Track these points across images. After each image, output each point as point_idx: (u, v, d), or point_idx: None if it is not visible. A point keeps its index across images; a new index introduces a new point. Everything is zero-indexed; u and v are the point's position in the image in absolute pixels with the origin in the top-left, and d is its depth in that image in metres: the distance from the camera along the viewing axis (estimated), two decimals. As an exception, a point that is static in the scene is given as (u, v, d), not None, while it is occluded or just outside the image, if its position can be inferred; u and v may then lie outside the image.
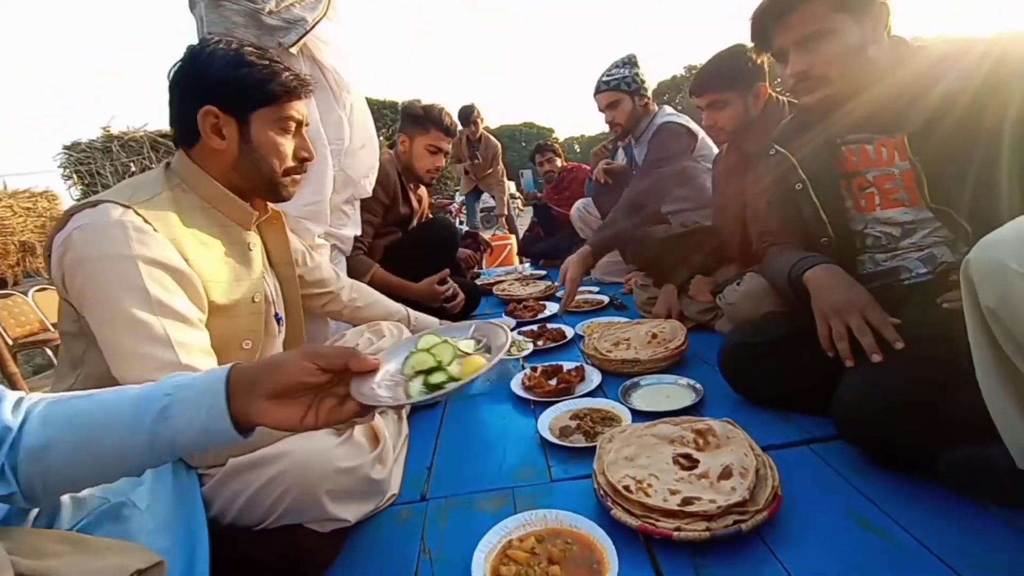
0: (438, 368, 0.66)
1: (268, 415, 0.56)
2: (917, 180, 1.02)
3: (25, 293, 4.25)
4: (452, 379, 0.64)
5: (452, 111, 2.25)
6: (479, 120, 4.50)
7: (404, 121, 2.11)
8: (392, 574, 0.82)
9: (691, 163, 2.12)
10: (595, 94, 2.22)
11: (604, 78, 2.17)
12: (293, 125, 0.98)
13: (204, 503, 0.77)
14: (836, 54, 1.00)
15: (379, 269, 1.96)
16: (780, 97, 1.65)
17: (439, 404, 1.43)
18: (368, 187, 1.86)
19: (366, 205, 1.95)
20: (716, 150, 2.18)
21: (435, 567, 0.82)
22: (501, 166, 4.81)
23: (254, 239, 1.01)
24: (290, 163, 0.98)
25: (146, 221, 0.80)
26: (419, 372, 0.66)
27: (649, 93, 2.17)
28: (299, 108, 0.98)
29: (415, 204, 2.24)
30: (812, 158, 1.16)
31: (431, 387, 0.64)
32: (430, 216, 2.48)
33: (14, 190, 10.32)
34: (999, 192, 0.89)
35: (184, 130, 0.92)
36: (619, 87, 2.13)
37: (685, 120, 2.14)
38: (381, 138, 2.15)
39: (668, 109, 2.24)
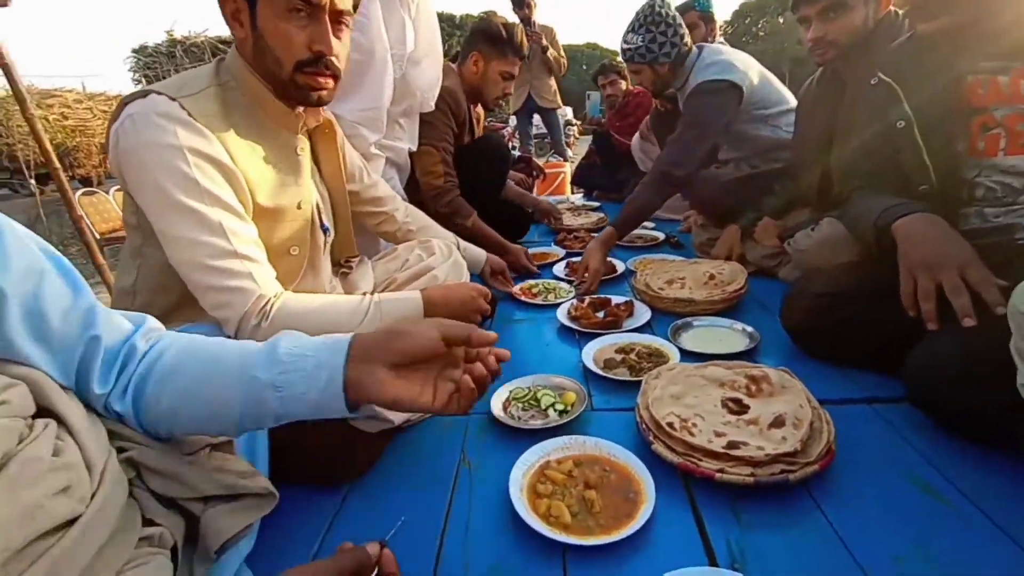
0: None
1: (387, 387, 0.52)
2: None
3: (107, 192, 4.55)
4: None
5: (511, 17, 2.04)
6: (532, 4, 3.91)
7: (479, 39, 1.90)
8: (433, 478, 0.86)
9: (739, 124, 1.85)
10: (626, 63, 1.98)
11: (623, 45, 1.88)
12: (304, 7, 0.82)
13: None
14: None
15: (477, 217, 1.87)
16: (899, 12, 1.40)
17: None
18: (431, 102, 1.78)
19: (439, 134, 1.84)
20: (784, 91, 1.92)
21: (474, 476, 0.86)
22: (554, 62, 4.17)
23: (303, 144, 0.96)
24: (303, 54, 0.83)
25: (191, 115, 0.78)
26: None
27: (679, 47, 1.81)
28: None
29: (476, 128, 2.12)
30: (926, 89, 0.99)
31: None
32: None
33: (91, 92, 10.74)
34: None
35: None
36: (632, 59, 1.86)
37: (727, 71, 1.77)
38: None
39: (709, 56, 1.84)
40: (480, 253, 1.62)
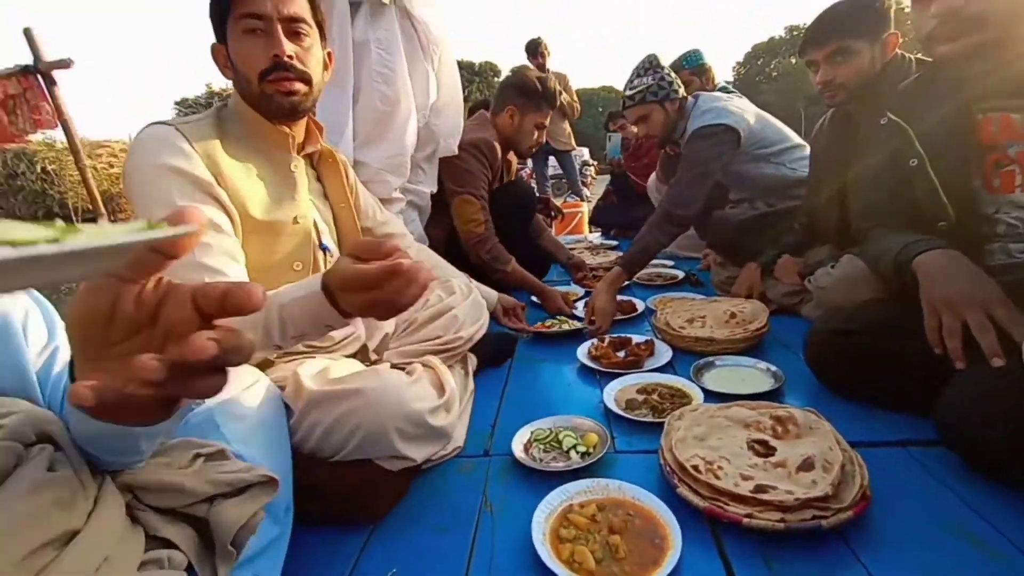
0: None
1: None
2: None
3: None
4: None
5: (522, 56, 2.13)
6: (546, 53, 4.12)
7: (513, 93, 1.97)
8: (455, 520, 0.85)
9: (741, 165, 1.90)
10: (623, 110, 2.05)
11: (628, 92, 1.95)
12: (256, 23, 0.88)
13: (289, 432, 0.83)
14: None
15: (516, 263, 1.90)
16: (907, 55, 1.43)
17: (503, 365, 1.46)
18: (454, 146, 1.86)
19: (477, 183, 1.88)
20: (785, 129, 1.96)
21: (496, 519, 0.85)
22: (568, 111, 4.34)
23: (297, 162, 0.99)
24: (263, 64, 0.90)
25: (184, 136, 0.84)
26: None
27: (681, 91, 1.92)
28: (259, 3, 0.88)
29: (506, 176, 2.17)
30: (936, 127, 1.00)
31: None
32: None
33: (137, 142, 11.51)
34: None
35: None
36: (644, 99, 1.91)
37: (721, 116, 1.83)
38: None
39: (704, 103, 1.92)
40: (491, 293, 1.63)
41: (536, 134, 1.99)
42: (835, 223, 1.56)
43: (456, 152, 1.85)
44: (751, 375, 1.24)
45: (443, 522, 0.85)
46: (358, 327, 1.18)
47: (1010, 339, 0.83)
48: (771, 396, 1.14)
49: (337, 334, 1.01)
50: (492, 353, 1.44)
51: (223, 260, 0.82)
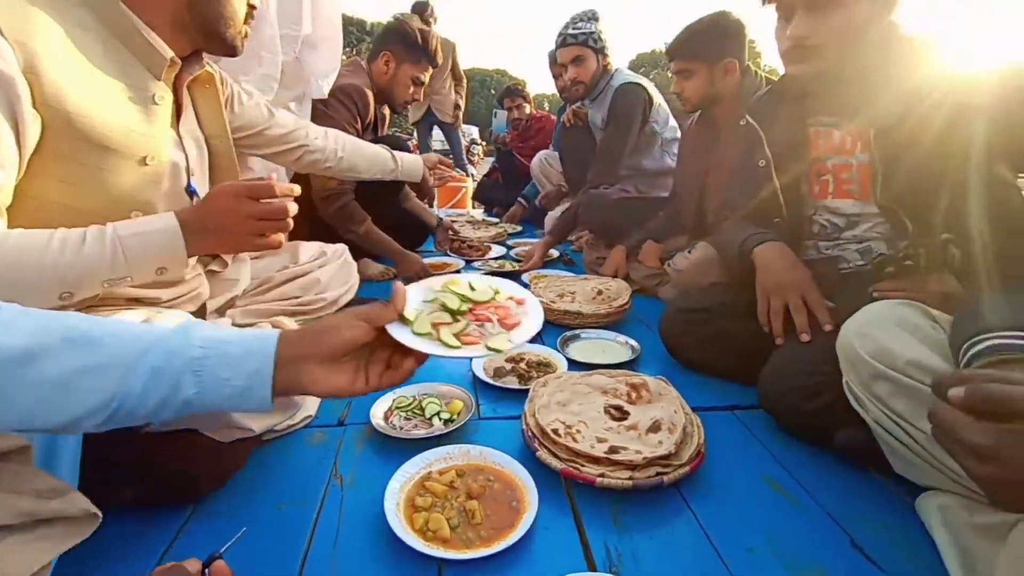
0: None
1: (321, 382, 0.52)
2: (873, 174, 1.02)
3: None
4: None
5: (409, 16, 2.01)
6: (433, 19, 3.94)
7: (391, 39, 1.82)
8: (299, 494, 0.77)
9: (647, 130, 2.07)
10: (558, 48, 2.10)
11: (571, 31, 2.03)
12: None
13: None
14: (840, 28, 0.94)
15: (371, 223, 1.76)
16: (759, 72, 1.62)
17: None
18: (325, 89, 1.67)
19: (339, 129, 1.72)
20: (671, 119, 2.16)
21: (345, 492, 0.78)
22: (455, 82, 4.24)
23: (163, 92, 0.79)
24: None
25: None
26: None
27: (609, 54, 2.08)
28: None
29: (380, 130, 2.01)
30: (780, 136, 1.14)
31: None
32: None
33: None
34: (938, 197, 0.91)
35: None
36: (586, 43, 2.01)
37: (644, 82, 2.05)
38: (343, 56, 1.87)
39: (625, 70, 2.13)
40: (416, 160, 1.59)
41: (412, 88, 1.86)
42: (694, 213, 1.72)
43: (328, 95, 1.66)
44: (612, 347, 1.31)
45: (285, 497, 0.76)
46: (201, 284, 0.99)
47: (818, 321, 0.98)
48: (629, 366, 1.21)
49: (167, 292, 0.83)
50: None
51: None
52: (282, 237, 0.77)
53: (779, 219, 1.14)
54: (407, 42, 1.79)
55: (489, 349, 0.59)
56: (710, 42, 1.53)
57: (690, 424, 0.88)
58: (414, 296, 0.62)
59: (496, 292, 0.68)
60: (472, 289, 0.66)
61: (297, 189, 0.77)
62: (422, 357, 0.58)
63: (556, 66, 2.60)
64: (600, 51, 2.03)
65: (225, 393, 0.49)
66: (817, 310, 0.99)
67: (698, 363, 1.21)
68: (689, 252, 1.53)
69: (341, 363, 0.54)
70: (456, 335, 0.59)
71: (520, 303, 0.67)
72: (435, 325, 0.60)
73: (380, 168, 1.47)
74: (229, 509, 0.74)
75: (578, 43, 2.02)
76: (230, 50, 0.83)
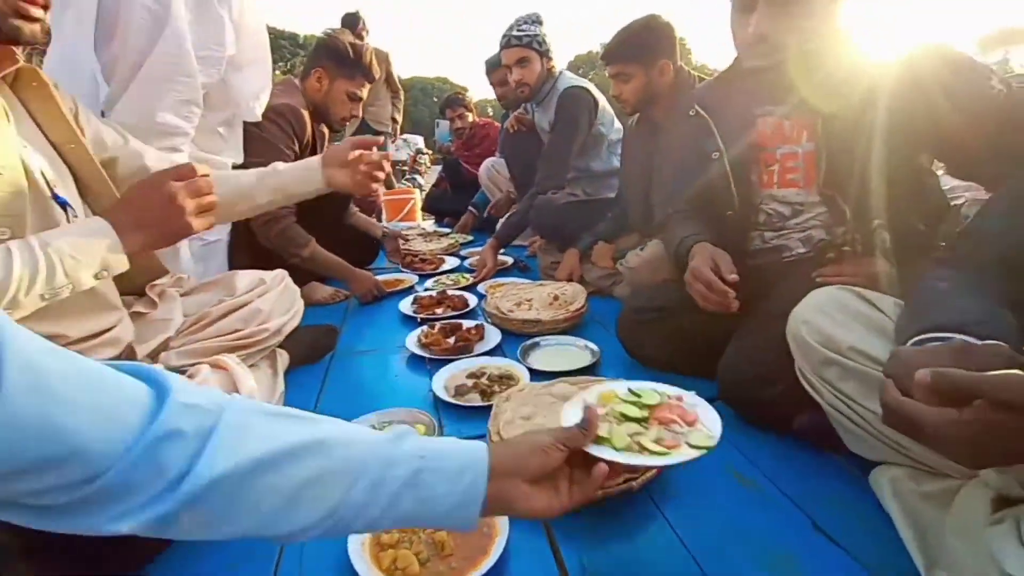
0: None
1: (529, 501, 0.53)
2: (817, 163, 1.05)
3: None
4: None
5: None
6: (366, 31, 3.88)
7: (323, 55, 1.77)
8: (249, 550, 0.71)
9: (594, 132, 2.10)
10: (502, 49, 2.10)
11: (515, 32, 2.04)
12: None
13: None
14: (800, 21, 0.95)
15: (316, 244, 1.67)
16: (691, 72, 1.68)
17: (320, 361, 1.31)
18: (258, 111, 1.59)
19: (277, 153, 1.60)
20: (616, 121, 2.20)
21: (305, 537, 0.73)
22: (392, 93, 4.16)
23: None
24: None
25: None
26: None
27: (553, 57, 2.11)
28: None
29: (319, 151, 1.93)
30: (730, 126, 1.14)
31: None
32: None
33: None
34: (873, 185, 0.96)
35: None
36: (531, 45, 2.03)
37: (589, 85, 2.10)
38: (277, 71, 1.79)
39: (569, 73, 2.18)
40: (308, 164, 1.14)
41: (349, 105, 1.80)
42: (642, 212, 1.75)
43: (259, 117, 1.59)
44: (572, 352, 1.31)
45: (237, 554, 0.71)
46: (119, 324, 0.91)
47: (769, 314, 1.00)
48: (590, 370, 1.21)
49: (76, 328, 0.75)
50: (307, 347, 1.28)
51: None
52: (212, 219, 0.76)
53: (731, 212, 1.16)
54: (339, 57, 1.74)
55: (695, 447, 0.60)
56: (644, 45, 1.57)
57: (654, 425, 0.89)
58: (572, 415, 0.63)
59: (663, 394, 0.70)
60: (639, 396, 0.69)
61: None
62: (619, 469, 0.59)
63: (496, 72, 2.62)
64: (544, 54, 2.06)
65: (438, 510, 0.48)
66: (723, 267, 0.99)
67: (656, 360, 1.23)
68: (641, 250, 1.56)
69: (541, 483, 0.54)
70: (655, 442, 0.60)
71: (680, 399, 0.70)
72: (631, 436, 0.61)
73: (268, 194, 1.12)
74: (181, 571, 0.68)
75: (523, 45, 2.03)
76: (14, 38, 0.70)
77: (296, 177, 1.12)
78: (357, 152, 1.11)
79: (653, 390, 0.70)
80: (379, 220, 3.54)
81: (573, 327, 1.47)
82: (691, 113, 1.20)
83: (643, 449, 0.59)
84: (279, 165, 1.12)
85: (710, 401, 1.04)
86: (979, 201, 1.24)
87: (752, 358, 0.97)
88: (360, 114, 1.86)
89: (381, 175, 1.15)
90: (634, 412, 0.65)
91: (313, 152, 1.84)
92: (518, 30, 2.04)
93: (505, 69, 2.15)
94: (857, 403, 0.72)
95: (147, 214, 0.72)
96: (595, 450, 0.57)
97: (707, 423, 0.65)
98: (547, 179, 2.01)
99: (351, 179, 1.12)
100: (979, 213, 0.73)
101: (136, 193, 0.74)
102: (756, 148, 1.12)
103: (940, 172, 1.06)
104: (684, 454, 0.59)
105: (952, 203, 1.14)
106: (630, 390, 0.70)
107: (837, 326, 0.75)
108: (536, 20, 2.06)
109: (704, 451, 0.60)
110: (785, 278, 1.10)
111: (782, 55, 0.98)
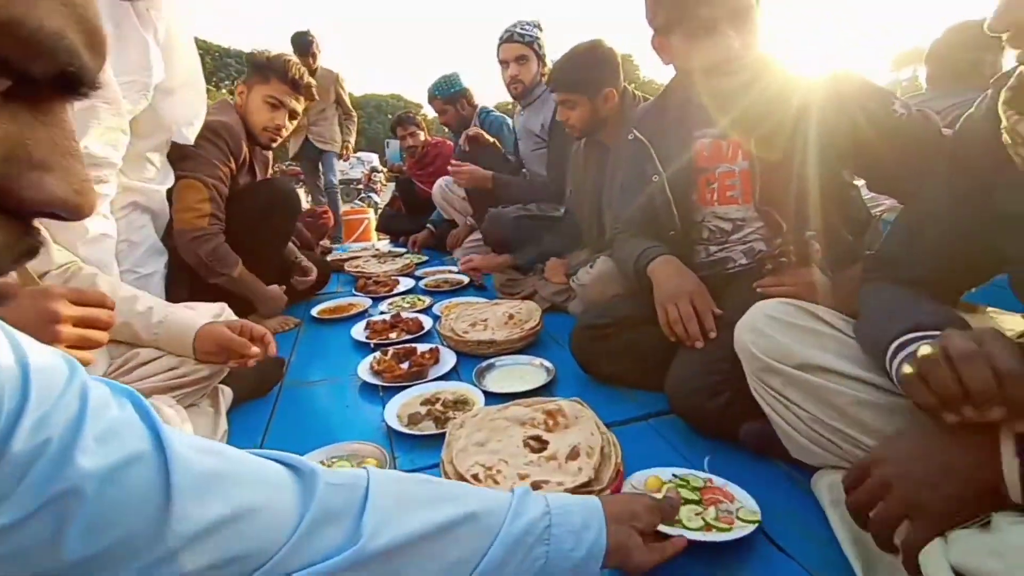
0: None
1: (645, 552, 0.56)
2: (752, 180, 1.10)
3: None
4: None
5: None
6: (317, 51, 3.77)
7: (247, 71, 1.75)
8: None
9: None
10: (502, 42, 2.13)
11: (519, 31, 2.10)
12: None
13: None
14: (752, 40, 0.98)
15: (243, 267, 1.62)
16: (636, 93, 1.73)
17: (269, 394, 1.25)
18: (190, 136, 1.53)
19: (211, 168, 1.57)
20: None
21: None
22: (342, 112, 4.02)
23: None
24: None
25: None
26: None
27: (548, 65, 2.16)
28: None
29: (259, 172, 1.84)
30: (669, 148, 1.18)
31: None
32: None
33: None
34: (805, 199, 1.01)
35: None
36: (531, 45, 2.09)
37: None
38: (224, 90, 1.72)
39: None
40: (188, 326, 1.00)
41: (270, 113, 1.70)
42: (594, 230, 1.78)
43: (191, 141, 1.53)
44: (528, 372, 1.31)
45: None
46: None
47: (719, 322, 1.03)
48: (546, 389, 1.21)
49: None
50: (253, 381, 1.22)
51: None
52: (91, 356, 0.66)
53: (674, 231, 1.19)
54: (255, 65, 1.71)
55: (746, 522, 0.73)
56: (588, 76, 1.59)
57: (607, 444, 0.89)
58: None
59: (703, 478, 0.83)
60: (686, 481, 0.81)
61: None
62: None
63: (435, 101, 2.65)
64: (541, 58, 2.12)
65: (564, 566, 0.49)
66: (704, 316, 1.03)
67: (610, 376, 1.24)
68: (591, 266, 1.58)
69: (645, 537, 0.58)
70: (715, 520, 0.73)
71: (711, 480, 0.82)
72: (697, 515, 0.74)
73: (149, 339, 0.99)
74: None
75: (524, 43, 2.08)
76: None
77: (172, 339, 0.99)
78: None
79: (693, 475, 0.83)
80: (332, 240, 3.46)
81: (528, 346, 1.47)
82: (630, 138, 1.24)
83: (708, 526, 0.71)
84: (172, 313, 1.01)
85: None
86: (897, 208, 1.33)
87: (698, 369, 1.00)
88: (286, 124, 1.75)
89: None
90: (690, 495, 0.77)
91: (252, 173, 1.79)
92: (521, 29, 2.09)
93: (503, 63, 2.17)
94: (798, 406, 0.75)
95: (20, 318, 0.60)
96: (665, 527, 0.66)
97: (741, 498, 0.78)
98: (554, 182, 2.07)
99: (222, 360, 1.01)
100: (885, 239, 0.79)
101: (25, 295, 0.63)
102: (696, 169, 1.17)
103: (860, 183, 1.13)
104: (743, 528, 0.71)
105: (873, 211, 1.22)
106: (674, 475, 0.83)
107: (781, 335, 0.77)
108: (537, 25, 2.13)
109: (756, 524, 0.72)
110: (729, 288, 1.14)
111: (748, 73, 1.00)
